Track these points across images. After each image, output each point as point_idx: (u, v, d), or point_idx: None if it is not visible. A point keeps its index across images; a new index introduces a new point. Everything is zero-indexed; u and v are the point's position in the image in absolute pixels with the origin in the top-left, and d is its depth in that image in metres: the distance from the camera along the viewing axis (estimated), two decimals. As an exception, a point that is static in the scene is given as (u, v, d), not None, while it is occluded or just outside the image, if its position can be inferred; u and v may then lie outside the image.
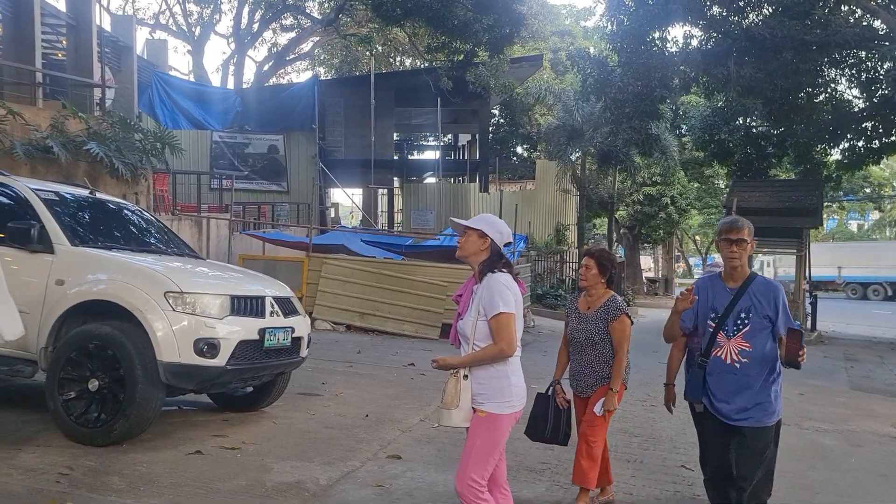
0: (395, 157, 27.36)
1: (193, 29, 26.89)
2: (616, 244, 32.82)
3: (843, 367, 12.52)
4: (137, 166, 12.16)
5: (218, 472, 4.69)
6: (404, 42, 26.12)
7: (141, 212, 6.94)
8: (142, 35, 27.29)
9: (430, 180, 28.98)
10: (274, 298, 5.82)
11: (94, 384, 5.02)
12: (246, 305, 5.50)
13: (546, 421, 4.48)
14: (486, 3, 15.97)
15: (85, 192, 6.42)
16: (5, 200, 5.82)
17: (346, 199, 25.48)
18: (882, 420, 8.00)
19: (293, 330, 5.87)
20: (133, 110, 16.93)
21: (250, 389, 6.29)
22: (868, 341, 17.39)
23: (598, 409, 4.39)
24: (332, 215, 26.03)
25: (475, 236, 3.35)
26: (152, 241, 6.40)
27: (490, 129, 28.06)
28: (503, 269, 3.33)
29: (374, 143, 21.80)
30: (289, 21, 27.55)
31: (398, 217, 26.13)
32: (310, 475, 4.76)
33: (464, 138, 31.74)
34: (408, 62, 31.47)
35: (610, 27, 17.58)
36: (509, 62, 20.84)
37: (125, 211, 6.63)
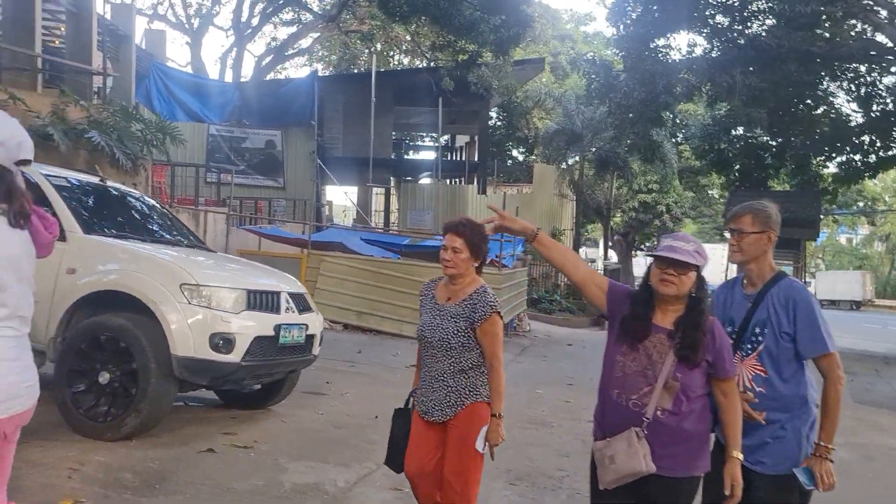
0: (393, 156, 27.18)
1: (192, 20, 26.67)
2: (610, 250, 32.86)
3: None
4: (138, 156, 11.97)
5: (232, 471, 4.55)
6: (405, 40, 25.99)
7: (152, 202, 6.79)
8: (140, 25, 27.00)
9: (425, 180, 28.86)
10: (289, 294, 5.69)
11: (104, 377, 4.87)
12: (261, 300, 5.35)
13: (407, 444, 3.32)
14: (495, 3, 15.87)
15: (95, 180, 6.25)
16: (14, 185, 5.64)
17: (339, 197, 25.36)
18: (890, 433, 7.96)
19: (307, 327, 5.74)
20: (130, 100, 16.69)
21: (258, 387, 6.15)
22: (860, 354, 17.40)
23: (479, 444, 3.15)
24: (327, 213, 25.85)
25: None
26: (164, 231, 6.25)
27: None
28: None
29: (373, 142, 21.64)
30: (289, 16, 27.34)
31: (394, 217, 25.99)
32: (326, 477, 4.63)
33: (461, 139, 31.64)
34: (406, 60, 31.36)
35: (615, 32, 17.60)
36: (512, 64, 20.76)
37: (136, 200, 6.47)
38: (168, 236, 6.17)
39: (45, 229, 2.38)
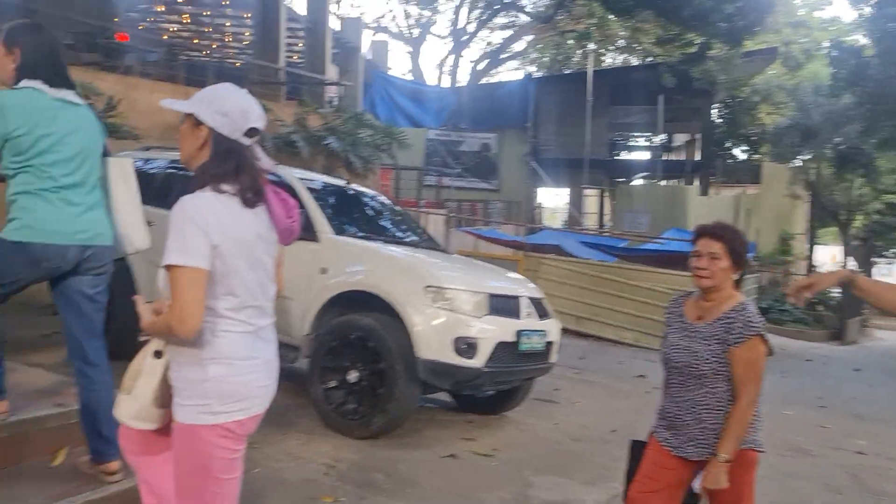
0: (611, 157, 26.44)
1: (412, 31, 27.82)
2: (847, 256, 29.65)
3: None
4: (368, 160, 12.55)
5: (477, 480, 4.43)
6: (621, 37, 25.19)
7: (392, 205, 6.95)
8: (366, 37, 28.67)
9: (638, 181, 27.84)
10: (529, 298, 5.51)
11: (353, 375, 4.97)
12: (502, 305, 5.22)
13: None
14: (728, -10, 14.80)
15: (341, 183, 6.50)
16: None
17: (548, 199, 25.12)
18: None
19: (546, 333, 5.53)
20: (358, 108, 17.69)
21: (492, 392, 6.04)
22: None
23: (695, 484, 2.75)
24: (539, 215, 25.74)
25: (188, 125, 2.13)
26: (403, 232, 6.34)
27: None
28: (221, 186, 2.05)
29: (588, 142, 21.16)
30: (505, 20, 27.65)
31: (607, 219, 25.31)
32: (575, 495, 4.37)
33: (679, 138, 30.11)
34: (620, 59, 30.45)
35: (860, 14, 15.76)
36: (741, 56, 19.32)
37: (378, 203, 6.64)
38: (407, 237, 6.25)
39: (284, 213, 2.17)
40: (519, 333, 5.18)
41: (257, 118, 2.12)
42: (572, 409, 6.87)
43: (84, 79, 8.58)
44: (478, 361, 4.91)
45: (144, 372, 2.12)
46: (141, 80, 10.29)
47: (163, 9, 17.58)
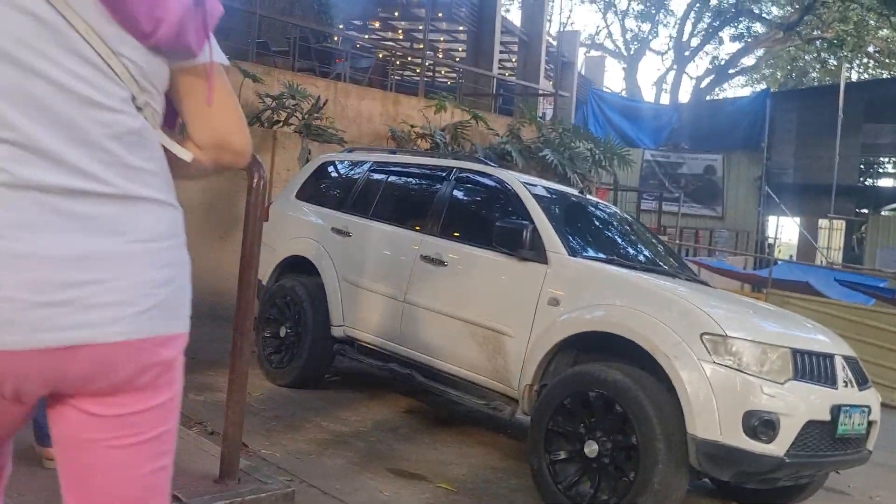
0: (862, 183, 23.02)
1: (630, 46, 26.18)
2: None
3: None
4: (585, 176, 11.30)
5: None
6: (879, 44, 21.84)
7: (636, 222, 5.57)
8: (580, 53, 27.48)
9: (886, 213, 24.00)
10: (843, 357, 3.89)
11: (591, 448, 3.63)
12: (812, 365, 3.64)
13: None
14: None
15: (574, 192, 5.24)
16: (492, 194, 4.87)
17: (775, 229, 22.19)
18: None
19: (869, 410, 3.87)
20: (569, 123, 16.57)
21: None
22: None
23: None
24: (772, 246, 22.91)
25: None
26: (655, 259, 4.94)
27: None
28: None
29: (837, 166, 18.30)
30: (734, 31, 25.20)
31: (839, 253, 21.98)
32: None
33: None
34: (867, 72, 26.65)
35: None
36: None
37: (619, 219, 5.29)
38: (660, 265, 4.84)
39: None
40: (836, 409, 3.58)
41: None
42: (873, 506, 5.05)
43: (296, 82, 8.17)
44: (778, 447, 3.38)
45: None
46: (352, 86, 9.78)
47: (377, 24, 17.56)
